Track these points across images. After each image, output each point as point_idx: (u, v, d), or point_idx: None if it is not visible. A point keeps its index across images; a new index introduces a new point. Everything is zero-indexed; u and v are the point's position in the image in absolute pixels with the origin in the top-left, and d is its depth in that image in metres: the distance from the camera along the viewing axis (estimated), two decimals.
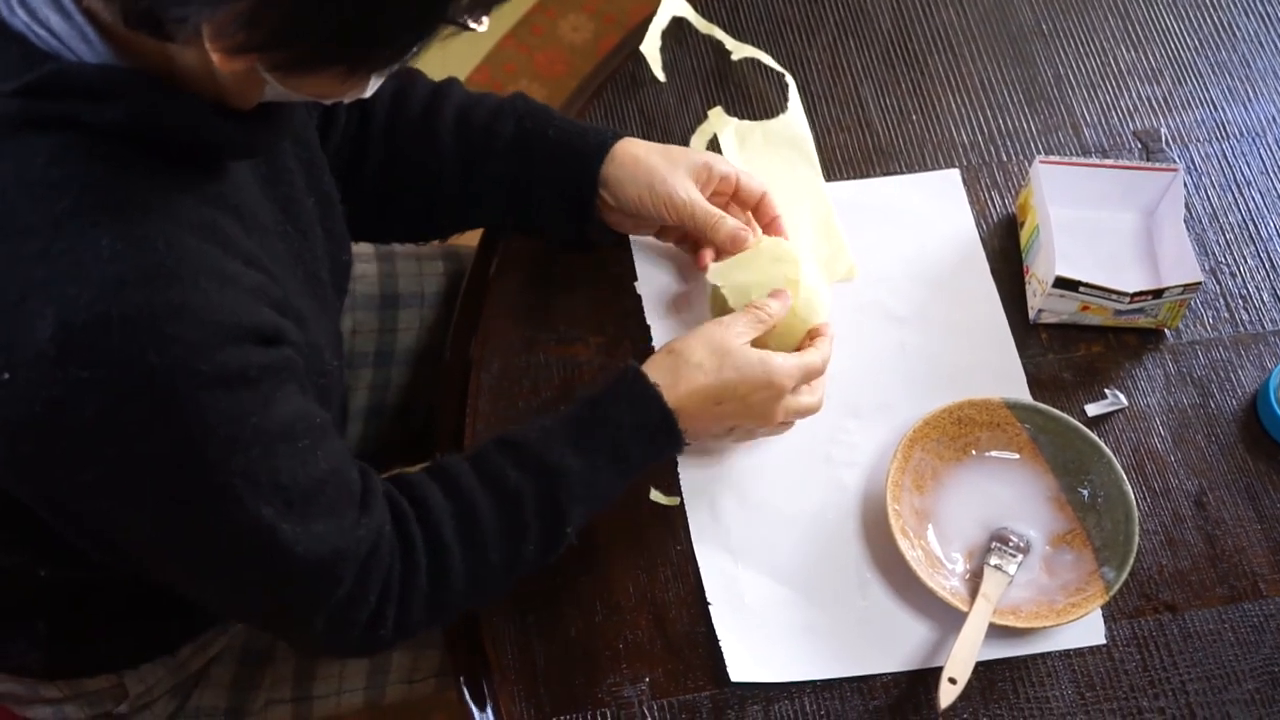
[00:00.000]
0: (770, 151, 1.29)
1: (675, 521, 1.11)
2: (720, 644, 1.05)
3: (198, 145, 0.81)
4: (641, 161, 1.13)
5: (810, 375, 1.07)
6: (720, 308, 1.12)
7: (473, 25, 0.77)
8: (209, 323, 0.77)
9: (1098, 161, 1.24)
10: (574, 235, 1.18)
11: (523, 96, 1.17)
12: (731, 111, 1.31)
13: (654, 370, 1.03)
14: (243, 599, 0.93)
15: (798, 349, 1.10)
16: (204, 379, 0.77)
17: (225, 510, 0.82)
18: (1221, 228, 1.28)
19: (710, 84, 1.33)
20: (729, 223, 1.12)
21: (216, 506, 0.82)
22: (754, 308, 1.08)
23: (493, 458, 1.00)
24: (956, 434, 1.13)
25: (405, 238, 1.25)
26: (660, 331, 1.19)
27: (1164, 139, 1.33)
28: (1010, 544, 1.09)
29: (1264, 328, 1.23)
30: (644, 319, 1.20)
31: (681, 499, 1.12)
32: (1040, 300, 1.19)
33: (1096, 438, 1.12)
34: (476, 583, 0.98)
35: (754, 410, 1.05)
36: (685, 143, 1.28)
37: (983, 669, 1.06)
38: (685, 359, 1.03)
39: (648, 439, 1.02)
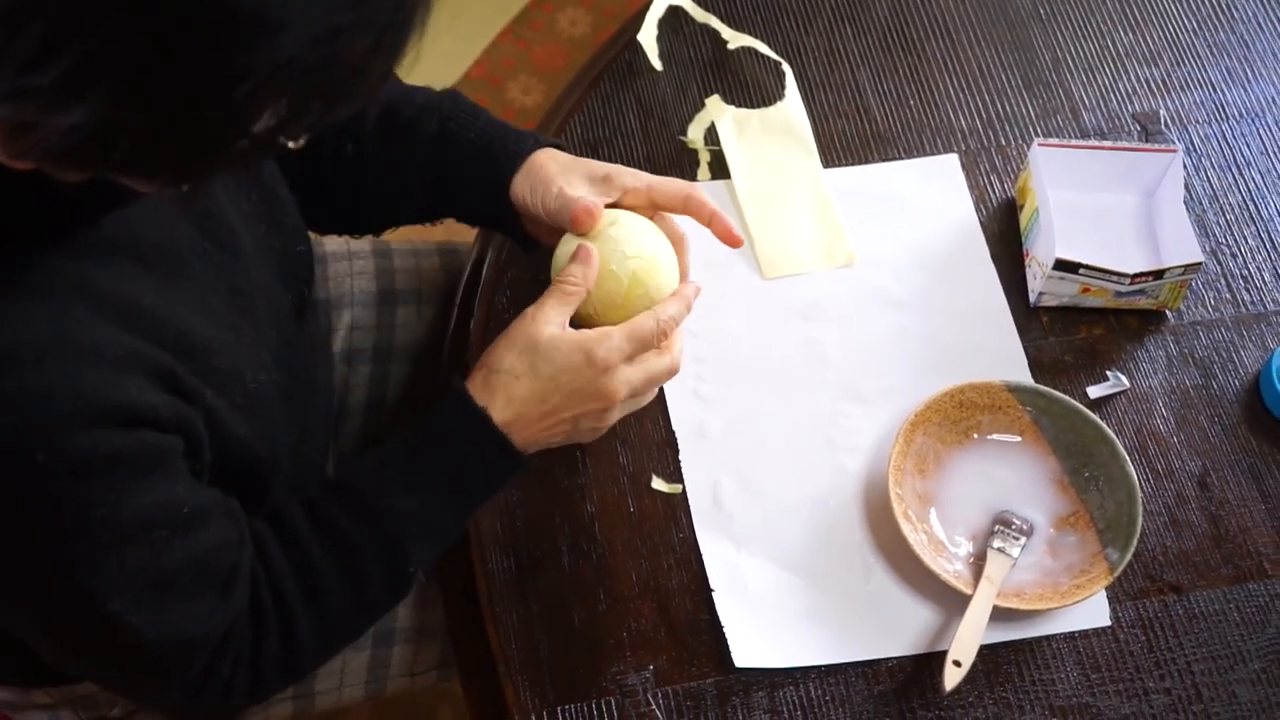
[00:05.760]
0: (768, 139, 1.28)
1: (677, 509, 1.11)
2: (724, 630, 1.05)
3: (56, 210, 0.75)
4: (541, 167, 1.05)
5: (644, 340, 0.98)
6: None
7: (290, 145, 0.70)
8: (50, 409, 0.74)
9: (1097, 144, 1.23)
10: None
11: (454, 95, 1.11)
12: (729, 100, 1.30)
13: (475, 390, 0.97)
14: (92, 674, 0.92)
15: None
16: (43, 469, 0.74)
17: (68, 600, 0.81)
18: (1222, 208, 1.28)
19: (707, 73, 1.33)
20: (576, 204, 1.01)
21: (59, 596, 0.81)
22: (558, 282, 0.99)
23: (327, 505, 0.96)
24: (958, 417, 1.13)
25: (339, 230, 1.18)
26: None
27: (1163, 120, 1.33)
28: (1013, 527, 1.09)
29: (1265, 308, 1.23)
30: None
31: (684, 486, 1.12)
32: (1040, 283, 1.19)
33: (1099, 420, 1.12)
34: (328, 637, 0.97)
35: (586, 395, 0.97)
36: (683, 132, 1.28)
37: (987, 652, 1.05)
38: (496, 369, 0.97)
39: (486, 467, 0.98)
